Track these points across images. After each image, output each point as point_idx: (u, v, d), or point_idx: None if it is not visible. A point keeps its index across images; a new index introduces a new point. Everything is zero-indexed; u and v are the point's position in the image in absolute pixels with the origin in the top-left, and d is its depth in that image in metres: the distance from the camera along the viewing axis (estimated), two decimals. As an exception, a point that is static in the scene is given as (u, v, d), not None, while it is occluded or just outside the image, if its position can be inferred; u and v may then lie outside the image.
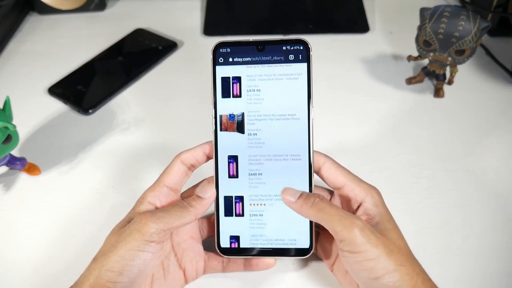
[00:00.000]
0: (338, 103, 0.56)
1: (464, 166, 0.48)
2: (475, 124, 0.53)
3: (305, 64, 0.35)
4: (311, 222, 0.36)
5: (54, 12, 0.73)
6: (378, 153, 0.50)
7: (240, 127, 0.36)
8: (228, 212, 0.36)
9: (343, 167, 0.36)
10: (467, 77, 0.59)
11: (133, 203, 0.36)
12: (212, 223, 0.39)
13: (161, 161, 0.50)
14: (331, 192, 0.38)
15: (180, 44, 0.66)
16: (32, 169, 0.49)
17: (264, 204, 0.36)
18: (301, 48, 0.35)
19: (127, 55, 0.64)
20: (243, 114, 0.35)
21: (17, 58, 0.66)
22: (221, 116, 0.36)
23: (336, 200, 0.37)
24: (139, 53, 0.64)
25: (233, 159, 0.36)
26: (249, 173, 0.36)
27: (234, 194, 0.36)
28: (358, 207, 0.35)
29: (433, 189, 0.46)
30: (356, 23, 0.69)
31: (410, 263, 0.32)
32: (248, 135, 0.36)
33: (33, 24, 0.72)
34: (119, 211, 0.45)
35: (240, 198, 0.36)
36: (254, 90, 0.35)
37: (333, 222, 0.32)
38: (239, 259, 0.38)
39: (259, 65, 0.35)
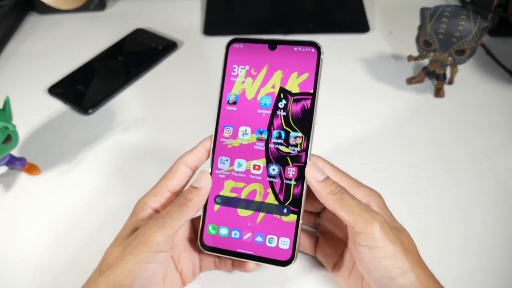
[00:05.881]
0: (338, 103, 0.56)
1: (464, 166, 0.48)
2: (475, 124, 0.53)
3: (314, 66, 0.35)
4: (295, 234, 0.34)
5: (54, 12, 0.73)
6: (378, 153, 0.50)
7: None
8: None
9: (342, 172, 0.36)
10: (468, 77, 0.59)
11: (133, 203, 0.35)
12: None
13: (161, 161, 0.50)
14: None
15: (180, 44, 0.66)
16: (32, 169, 0.49)
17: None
18: (312, 50, 0.35)
19: (127, 55, 0.64)
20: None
21: (17, 58, 0.66)
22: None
23: None
24: (139, 53, 0.64)
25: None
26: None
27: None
28: None
29: (433, 189, 0.46)
30: (356, 23, 0.69)
31: (422, 265, 0.32)
32: None
33: (33, 24, 0.72)
34: (118, 211, 0.45)
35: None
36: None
37: (352, 214, 0.31)
38: (228, 260, 0.37)
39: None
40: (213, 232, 0.35)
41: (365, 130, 0.53)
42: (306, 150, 0.34)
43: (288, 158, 0.35)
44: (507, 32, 0.64)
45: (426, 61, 0.56)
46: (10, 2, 0.69)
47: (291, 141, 0.35)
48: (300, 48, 0.35)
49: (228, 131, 0.36)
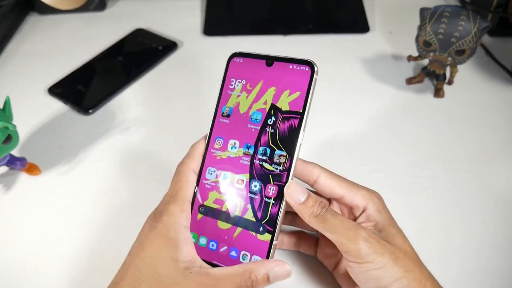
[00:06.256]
0: (338, 103, 0.56)
1: (464, 166, 0.48)
2: (475, 124, 0.53)
3: (306, 86, 0.34)
4: (268, 254, 0.33)
5: (54, 12, 0.73)
6: (378, 153, 0.50)
7: None
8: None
9: (338, 177, 0.36)
10: (467, 77, 0.59)
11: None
12: None
13: (161, 160, 0.50)
14: (328, 200, 0.38)
15: (180, 44, 0.66)
16: (32, 169, 0.49)
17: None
18: (306, 69, 0.34)
19: (127, 55, 0.64)
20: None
21: (17, 58, 0.66)
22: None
23: (335, 208, 0.37)
24: (139, 53, 0.64)
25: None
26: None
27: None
28: (361, 214, 0.35)
29: (433, 189, 0.46)
30: (356, 23, 0.69)
31: (418, 268, 0.32)
32: None
33: (33, 24, 0.72)
34: (119, 211, 0.45)
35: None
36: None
37: (336, 233, 0.31)
38: None
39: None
40: (193, 240, 0.35)
41: (365, 130, 0.53)
42: (288, 170, 0.33)
43: (270, 176, 0.34)
44: (507, 32, 0.64)
45: (426, 61, 0.56)
46: (10, 2, 0.69)
47: (275, 159, 0.34)
48: (295, 66, 0.35)
49: (219, 142, 0.36)
